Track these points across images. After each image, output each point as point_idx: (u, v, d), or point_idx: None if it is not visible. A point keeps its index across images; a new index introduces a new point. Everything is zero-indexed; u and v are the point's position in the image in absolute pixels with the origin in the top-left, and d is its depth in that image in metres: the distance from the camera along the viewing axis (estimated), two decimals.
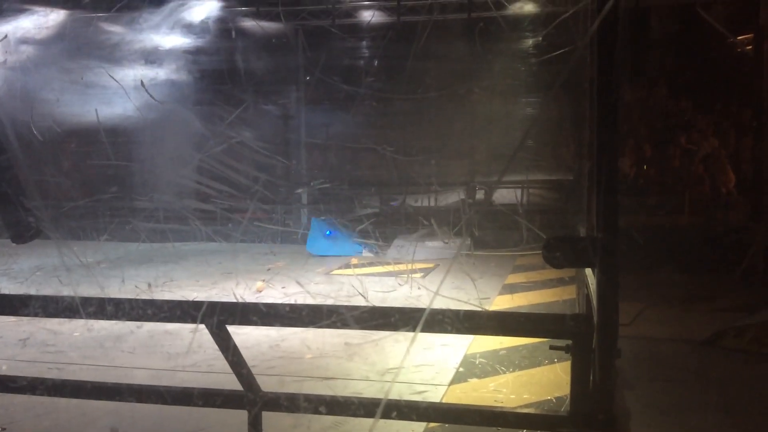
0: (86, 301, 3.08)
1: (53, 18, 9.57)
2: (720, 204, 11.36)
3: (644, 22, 12.57)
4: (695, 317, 6.99)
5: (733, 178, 11.50)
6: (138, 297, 3.29)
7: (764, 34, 10.49)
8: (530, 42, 11.06)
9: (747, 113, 11.64)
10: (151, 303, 3.05)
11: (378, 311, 2.85)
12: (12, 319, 6.56)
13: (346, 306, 2.86)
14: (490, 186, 12.43)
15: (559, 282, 8.46)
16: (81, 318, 3.09)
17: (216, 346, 3.17)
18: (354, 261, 10.52)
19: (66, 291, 6.52)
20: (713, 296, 7.90)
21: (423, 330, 2.56)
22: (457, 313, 2.70)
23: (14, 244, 7.71)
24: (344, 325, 2.82)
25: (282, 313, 3.00)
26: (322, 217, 11.86)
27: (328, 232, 11.34)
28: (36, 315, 3.15)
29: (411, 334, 2.63)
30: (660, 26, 13.06)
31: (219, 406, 3.40)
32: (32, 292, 6.53)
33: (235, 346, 3.16)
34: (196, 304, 3.01)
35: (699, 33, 11.60)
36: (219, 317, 2.96)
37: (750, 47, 11.19)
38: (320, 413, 3.24)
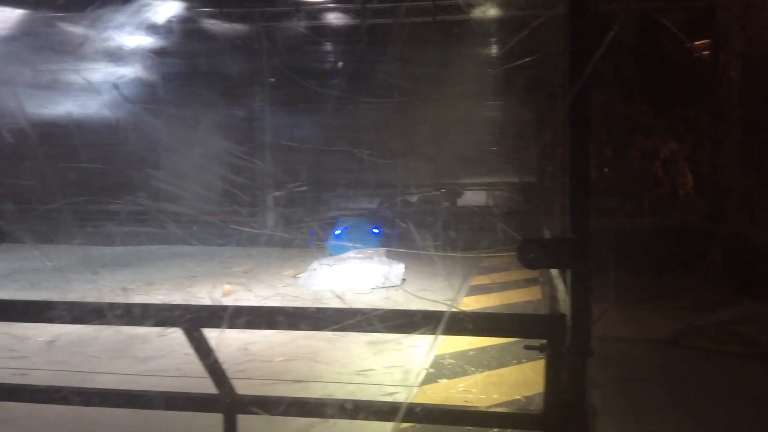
0: (72, 305, 3.04)
1: (15, 17, 9.38)
2: (678, 205, 11.66)
3: (605, 27, 12.81)
4: (658, 317, 7.16)
5: (691, 179, 11.81)
6: (113, 301, 3.24)
7: (721, 40, 10.80)
8: (495, 46, 11.21)
9: (704, 117, 11.96)
10: (139, 306, 3.02)
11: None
12: None
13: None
14: (455, 189, 12.57)
15: (526, 282, 8.59)
16: (65, 322, 3.03)
17: (183, 351, 3.15)
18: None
19: (36, 295, 6.40)
20: (675, 296, 8.10)
21: (403, 331, 2.59)
22: (436, 314, 2.73)
23: None
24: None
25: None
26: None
27: (338, 233, 10.99)
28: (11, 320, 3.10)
29: (372, 335, 2.66)
30: (619, 31, 13.32)
31: (194, 410, 3.38)
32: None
33: (211, 349, 3.14)
34: (173, 307, 2.99)
35: (657, 38, 11.87)
36: (197, 320, 2.95)
37: (707, 52, 11.51)
38: (294, 415, 3.25)
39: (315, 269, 9.26)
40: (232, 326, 2.95)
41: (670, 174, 11.94)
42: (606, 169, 12.73)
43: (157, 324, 3.01)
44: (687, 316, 6.77)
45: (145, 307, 3.00)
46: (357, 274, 9.12)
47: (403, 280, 9.13)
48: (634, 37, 12.96)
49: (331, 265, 9.31)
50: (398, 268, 9.31)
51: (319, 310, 2.91)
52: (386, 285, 8.82)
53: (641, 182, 12.12)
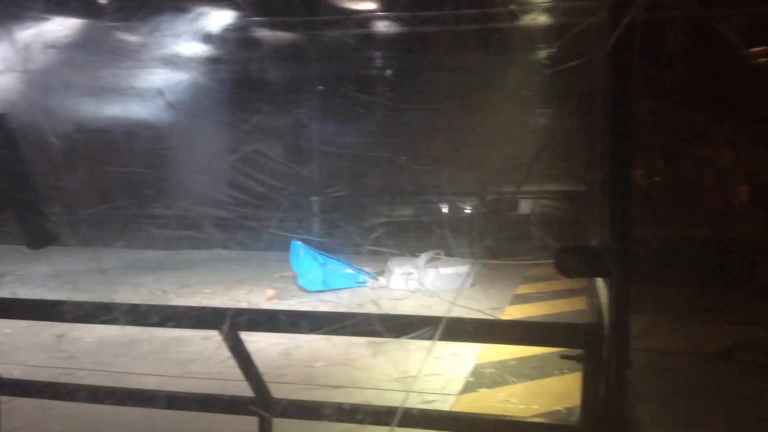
0: (111, 306, 3.12)
1: (72, 26, 9.70)
2: (733, 217, 11.30)
3: (659, 34, 12.57)
4: (707, 330, 6.94)
5: (746, 190, 11.44)
6: (153, 303, 3.31)
7: None
8: (543, 53, 11.09)
9: (762, 126, 11.59)
10: (174, 308, 3.08)
11: (401, 318, 2.85)
12: (24, 324, 6.62)
13: (372, 313, 2.85)
14: (503, 196, 12.44)
15: (570, 293, 8.44)
16: (110, 323, 3.11)
17: (226, 354, 3.19)
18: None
19: (80, 296, 6.57)
20: (725, 309, 7.84)
21: (440, 338, 2.58)
22: (472, 321, 2.71)
23: (30, 250, 7.78)
24: (371, 331, 2.81)
25: (304, 320, 3.02)
26: (303, 238, 10.17)
27: (322, 261, 9.44)
28: (55, 319, 3.20)
29: (422, 343, 2.65)
30: (675, 38, 13.04)
31: (229, 413, 3.42)
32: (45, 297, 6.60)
33: (247, 353, 3.17)
34: (213, 311, 3.03)
35: (714, 45, 11.57)
36: (233, 323, 2.98)
37: (765, 59, 11.15)
38: (330, 420, 3.25)
39: (393, 272, 9.43)
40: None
41: (725, 184, 11.60)
42: (658, 178, 12.44)
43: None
44: (738, 330, 6.56)
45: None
46: (433, 275, 9.23)
47: (478, 280, 9.07)
48: (691, 44, 12.68)
49: (406, 267, 9.41)
50: (467, 270, 9.11)
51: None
52: (464, 286, 8.65)
53: (694, 192, 11.81)
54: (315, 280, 9.09)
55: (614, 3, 2.54)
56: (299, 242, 9.78)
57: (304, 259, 9.41)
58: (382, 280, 9.67)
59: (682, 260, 8.38)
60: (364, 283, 9.51)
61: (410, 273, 9.38)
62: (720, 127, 12.45)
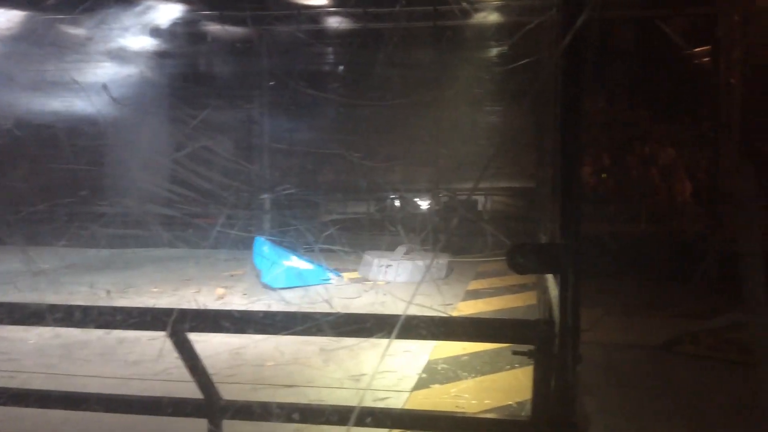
0: (53, 307, 3.00)
1: (14, 17, 9.35)
2: (677, 213, 11.61)
3: (605, 33, 12.82)
4: (652, 324, 7.12)
5: (689, 187, 11.77)
6: (96, 304, 3.20)
7: (721, 47, 10.78)
8: (495, 51, 11.20)
9: (704, 124, 11.93)
10: (120, 310, 2.98)
11: (353, 318, 2.83)
12: None
13: (321, 312, 2.83)
14: (456, 194, 12.54)
15: (521, 288, 8.56)
16: (48, 325, 3.00)
17: (174, 355, 3.11)
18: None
19: (21, 297, 6.36)
20: (670, 303, 8.06)
21: (395, 336, 2.56)
22: (426, 319, 2.70)
23: None
24: (319, 331, 2.79)
25: (255, 320, 2.97)
26: (267, 236, 10.14)
27: (286, 258, 9.26)
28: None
29: (376, 341, 2.63)
30: (620, 38, 13.32)
31: (177, 415, 3.34)
32: None
33: (195, 354, 3.10)
34: (158, 312, 2.95)
35: (658, 45, 11.86)
36: (179, 324, 2.91)
37: (707, 59, 11.49)
38: (281, 421, 3.21)
39: (372, 264, 9.86)
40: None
41: (668, 181, 11.91)
42: (604, 176, 12.70)
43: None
44: (682, 324, 6.74)
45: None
46: (405, 268, 9.64)
47: (450, 271, 9.92)
48: (634, 44, 12.97)
49: (383, 260, 9.84)
50: (440, 263, 9.72)
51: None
52: (434, 278, 9.37)
53: (639, 189, 12.09)
54: (279, 277, 8.94)
55: (564, 2, 2.56)
56: (263, 239, 9.68)
57: (268, 256, 9.28)
58: (346, 277, 9.76)
59: (629, 255, 8.59)
60: (328, 280, 9.41)
61: (389, 265, 9.71)
62: (663, 125, 12.78)
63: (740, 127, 10.54)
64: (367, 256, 10.13)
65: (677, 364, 5.94)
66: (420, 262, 9.70)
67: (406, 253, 10.07)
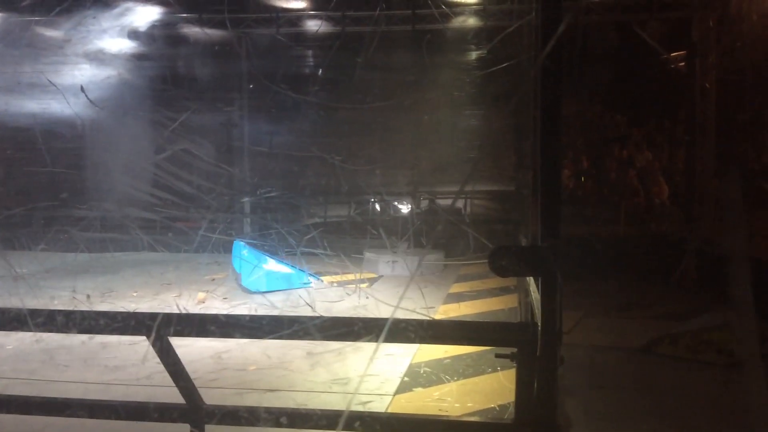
0: (34, 312, 2.96)
1: None
2: (654, 214, 11.76)
3: (583, 37, 12.95)
4: (632, 325, 7.19)
5: (666, 189, 11.92)
6: (76, 308, 3.16)
7: (696, 51, 10.93)
8: (474, 55, 11.26)
9: (680, 127, 12.10)
10: (104, 314, 2.95)
11: (340, 321, 2.83)
12: None
13: (308, 316, 2.83)
14: (436, 196, 12.58)
15: (502, 291, 8.60)
16: (29, 330, 2.96)
17: (156, 360, 3.09)
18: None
19: (1, 302, 6.26)
20: (649, 304, 8.15)
21: (383, 340, 2.57)
22: (410, 323, 2.71)
23: None
24: (306, 335, 2.78)
25: (242, 324, 2.95)
26: (246, 240, 10.04)
27: (265, 261, 9.20)
28: None
29: (358, 345, 2.63)
30: (597, 42, 13.47)
31: (159, 421, 3.31)
32: None
33: (177, 358, 3.08)
34: (139, 317, 2.93)
35: (635, 49, 12.00)
36: (165, 328, 2.89)
37: (683, 63, 11.65)
38: (264, 425, 3.19)
39: (378, 261, 10.54)
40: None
41: (646, 183, 12.05)
42: (583, 178, 12.82)
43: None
44: (661, 325, 6.81)
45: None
46: (416, 262, 9.83)
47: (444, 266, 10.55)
48: (612, 48, 13.11)
49: (390, 256, 10.42)
50: (413, 260, 10.04)
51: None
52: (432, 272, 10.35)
53: (617, 191, 12.22)
54: (258, 281, 8.90)
55: (542, 7, 2.59)
56: (242, 242, 9.61)
57: (247, 259, 9.17)
58: (325, 280, 9.74)
59: (608, 257, 8.67)
60: (308, 284, 9.36)
61: (395, 261, 10.32)
62: (641, 128, 12.94)
63: (716, 130, 10.70)
64: (369, 254, 10.80)
65: (657, 365, 6.01)
66: (427, 257, 10.23)
67: (407, 249, 10.67)
